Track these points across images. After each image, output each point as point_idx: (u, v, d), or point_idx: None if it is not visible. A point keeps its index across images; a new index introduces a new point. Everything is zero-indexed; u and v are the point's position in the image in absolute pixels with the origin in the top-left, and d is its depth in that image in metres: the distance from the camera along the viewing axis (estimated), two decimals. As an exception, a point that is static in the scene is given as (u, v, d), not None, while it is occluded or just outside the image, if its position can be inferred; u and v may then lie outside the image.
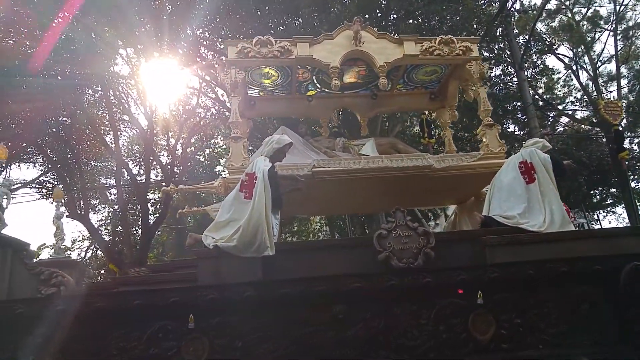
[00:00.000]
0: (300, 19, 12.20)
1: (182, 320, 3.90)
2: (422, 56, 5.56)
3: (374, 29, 5.70)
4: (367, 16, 11.36)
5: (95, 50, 12.00)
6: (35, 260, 4.57)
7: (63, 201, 6.34)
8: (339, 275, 4.09)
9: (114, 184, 16.94)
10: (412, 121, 15.78)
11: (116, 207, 15.61)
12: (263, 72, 5.75)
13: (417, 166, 5.12)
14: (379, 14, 12.59)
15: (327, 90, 6.37)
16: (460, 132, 16.25)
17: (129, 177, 16.46)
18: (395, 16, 12.66)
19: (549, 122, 19.96)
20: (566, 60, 20.13)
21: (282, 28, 12.07)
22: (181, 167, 17.23)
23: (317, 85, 6.24)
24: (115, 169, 16.39)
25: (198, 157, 19.75)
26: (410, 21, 12.53)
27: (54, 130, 13.91)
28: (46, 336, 3.76)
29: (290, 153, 4.89)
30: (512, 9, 16.06)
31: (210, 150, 20.37)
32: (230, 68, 5.21)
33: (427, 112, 8.40)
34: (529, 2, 19.53)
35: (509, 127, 17.73)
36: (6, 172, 16.36)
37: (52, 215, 5.39)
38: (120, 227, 16.94)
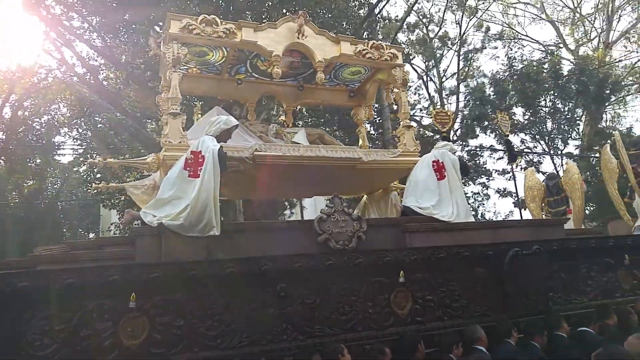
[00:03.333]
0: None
1: (120, 299, 3.72)
2: (355, 57, 6.01)
3: (314, 24, 5.99)
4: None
5: None
6: None
7: None
8: (282, 255, 4.30)
9: None
10: (279, 111, 16.03)
11: None
12: (197, 50, 5.60)
13: (349, 157, 5.56)
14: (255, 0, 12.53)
15: (256, 75, 6.44)
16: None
17: None
18: (270, 4, 12.72)
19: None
20: (419, 70, 23.06)
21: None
22: (8, 133, 15.00)
23: (249, 69, 6.27)
24: None
25: (32, 123, 17.14)
26: (285, 12, 12.50)
27: None
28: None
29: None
30: (379, 16, 17.74)
31: (49, 117, 17.66)
32: (171, 42, 5.00)
33: (299, 106, 8.70)
34: (395, 14, 21.63)
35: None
36: None
37: None
38: None
